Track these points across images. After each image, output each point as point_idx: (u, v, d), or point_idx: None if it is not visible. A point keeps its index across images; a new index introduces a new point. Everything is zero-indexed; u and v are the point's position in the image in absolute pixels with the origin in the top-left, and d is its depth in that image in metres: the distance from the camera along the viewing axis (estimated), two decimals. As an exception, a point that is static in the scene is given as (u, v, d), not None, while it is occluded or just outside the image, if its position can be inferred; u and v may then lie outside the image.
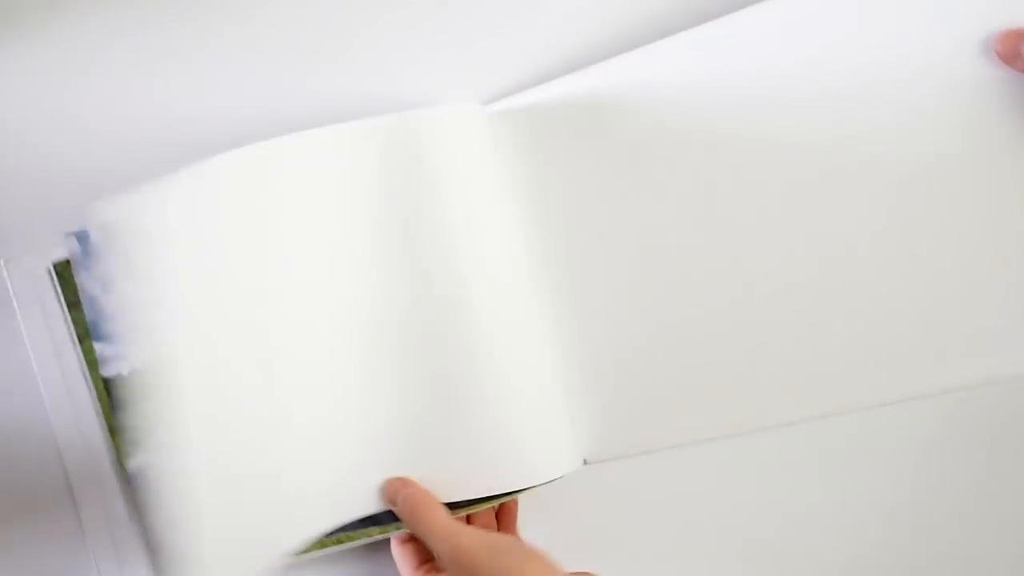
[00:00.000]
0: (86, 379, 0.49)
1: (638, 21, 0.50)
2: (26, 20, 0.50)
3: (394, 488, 0.45)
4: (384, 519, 0.47)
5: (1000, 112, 0.43)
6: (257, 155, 0.47)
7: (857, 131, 0.45)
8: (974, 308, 0.45)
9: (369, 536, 0.47)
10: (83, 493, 0.49)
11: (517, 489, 0.46)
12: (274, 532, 0.44)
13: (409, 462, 0.46)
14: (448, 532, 0.42)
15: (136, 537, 0.49)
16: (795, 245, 0.46)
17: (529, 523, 0.50)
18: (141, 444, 0.47)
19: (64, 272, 0.49)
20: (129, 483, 0.48)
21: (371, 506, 0.46)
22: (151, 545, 0.48)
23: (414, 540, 0.47)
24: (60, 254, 0.49)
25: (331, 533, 0.47)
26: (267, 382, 0.46)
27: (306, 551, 0.46)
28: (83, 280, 0.49)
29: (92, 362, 0.49)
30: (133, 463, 0.48)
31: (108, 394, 0.48)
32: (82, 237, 0.49)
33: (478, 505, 0.46)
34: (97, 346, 0.49)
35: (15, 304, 0.49)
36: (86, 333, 0.49)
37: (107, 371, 0.49)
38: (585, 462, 0.49)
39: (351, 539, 0.47)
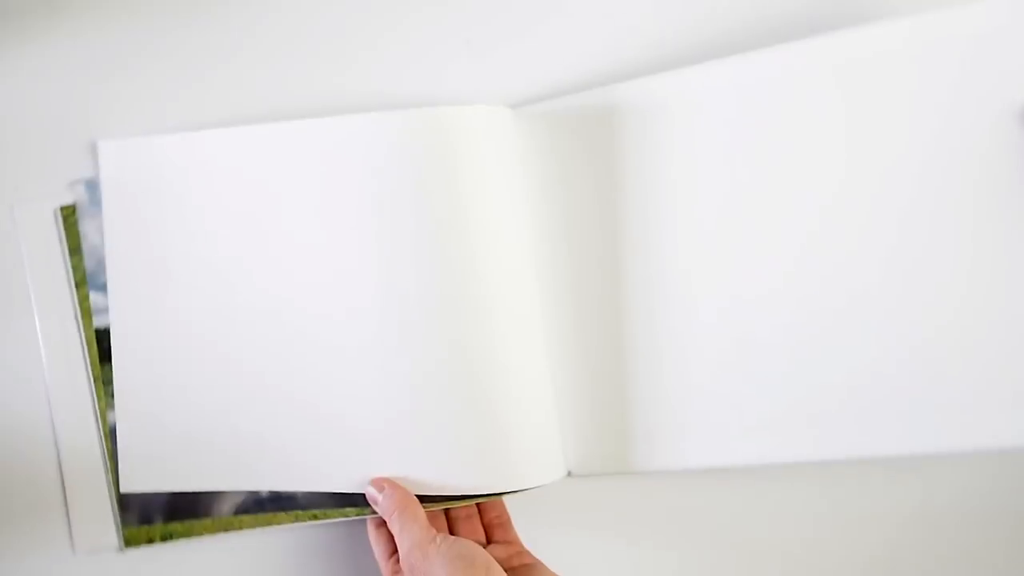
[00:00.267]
0: (78, 326, 0.48)
1: (668, 44, 0.52)
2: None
3: (379, 485, 0.45)
4: (362, 501, 0.46)
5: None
6: (286, 132, 0.48)
7: (877, 177, 0.46)
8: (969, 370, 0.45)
9: (345, 516, 0.47)
10: (68, 446, 0.49)
11: (499, 492, 0.46)
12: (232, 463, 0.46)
13: (397, 449, 0.46)
14: (421, 538, 0.42)
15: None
16: (804, 282, 0.46)
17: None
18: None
19: (69, 217, 0.49)
20: (110, 434, 0.48)
21: (350, 485, 0.46)
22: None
23: (386, 528, 0.46)
24: (67, 199, 0.49)
25: (307, 508, 0.47)
26: (261, 341, 0.47)
27: (277, 520, 0.47)
28: (86, 228, 0.49)
29: (86, 310, 0.48)
30: (113, 415, 0.48)
31: (98, 344, 0.48)
32: (91, 185, 0.49)
33: (458, 501, 0.46)
34: (93, 295, 0.48)
35: (22, 247, 0.49)
36: (83, 280, 0.48)
37: (100, 321, 0.48)
38: (569, 474, 0.49)
39: (327, 516, 0.47)
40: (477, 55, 0.52)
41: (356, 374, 0.47)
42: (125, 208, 0.48)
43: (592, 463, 0.49)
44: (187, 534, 0.47)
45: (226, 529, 0.47)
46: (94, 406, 0.48)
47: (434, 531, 0.43)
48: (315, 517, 0.47)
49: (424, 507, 0.45)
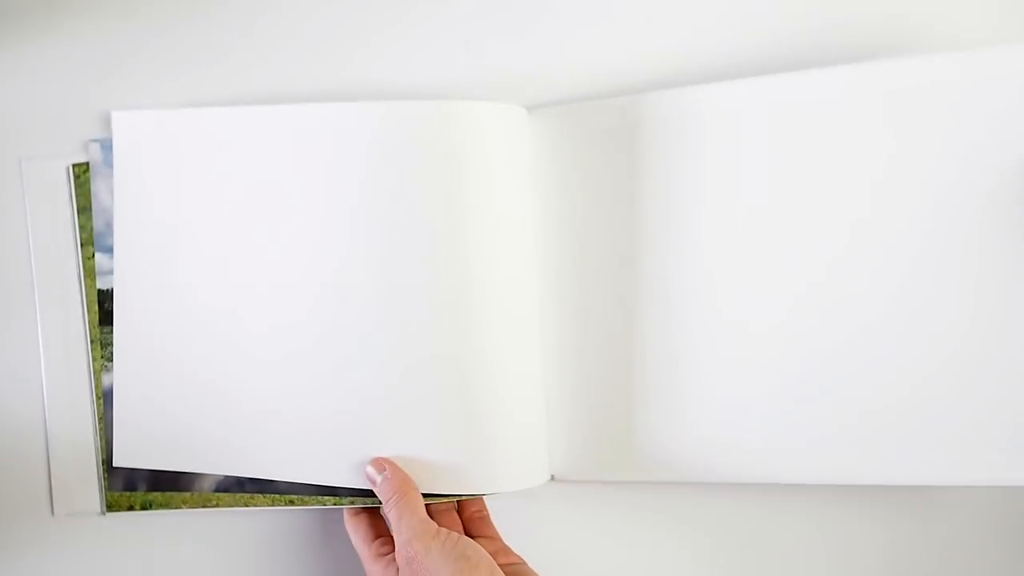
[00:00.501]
0: (80, 285, 0.48)
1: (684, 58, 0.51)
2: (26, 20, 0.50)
3: (379, 466, 0.44)
4: (341, 491, 0.46)
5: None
6: (296, 113, 0.47)
7: (897, 211, 0.45)
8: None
9: (322, 504, 0.46)
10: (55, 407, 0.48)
11: (480, 493, 0.45)
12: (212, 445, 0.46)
13: (381, 443, 0.45)
14: (422, 530, 0.41)
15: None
16: (814, 308, 0.46)
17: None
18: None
19: (81, 175, 0.48)
20: (103, 397, 0.47)
21: (332, 477, 0.46)
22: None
23: (367, 513, 0.46)
24: (81, 158, 0.49)
25: (285, 493, 0.46)
26: (258, 324, 0.47)
27: (255, 502, 0.46)
28: (98, 188, 0.48)
29: (89, 269, 0.48)
30: (108, 378, 0.47)
31: (100, 306, 0.48)
32: (106, 145, 0.48)
33: (439, 497, 0.45)
34: (99, 256, 0.48)
35: (26, 202, 0.49)
36: (89, 240, 0.48)
37: (103, 283, 0.48)
38: (552, 478, 0.48)
39: (304, 502, 0.46)
40: (478, 54, 0.51)
41: (346, 363, 0.46)
42: (136, 176, 0.48)
43: (577, 469, 0.48)
44: (166, 505, 0.47)
45: (204, 505, 0.47)
46: (89, 367, 0.48)
47: (435, 525, 0.42)
48: (292, 502, 0.46)
49: None
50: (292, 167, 0.47)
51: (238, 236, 0.47)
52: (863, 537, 0.49)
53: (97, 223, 0.48)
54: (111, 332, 0.47)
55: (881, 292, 0.45)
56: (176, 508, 0.47)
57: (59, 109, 0.49)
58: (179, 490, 0.47)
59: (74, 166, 0.48)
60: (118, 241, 0.48)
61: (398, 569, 0.41)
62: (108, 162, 0.48)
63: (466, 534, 0.46)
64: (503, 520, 0.48)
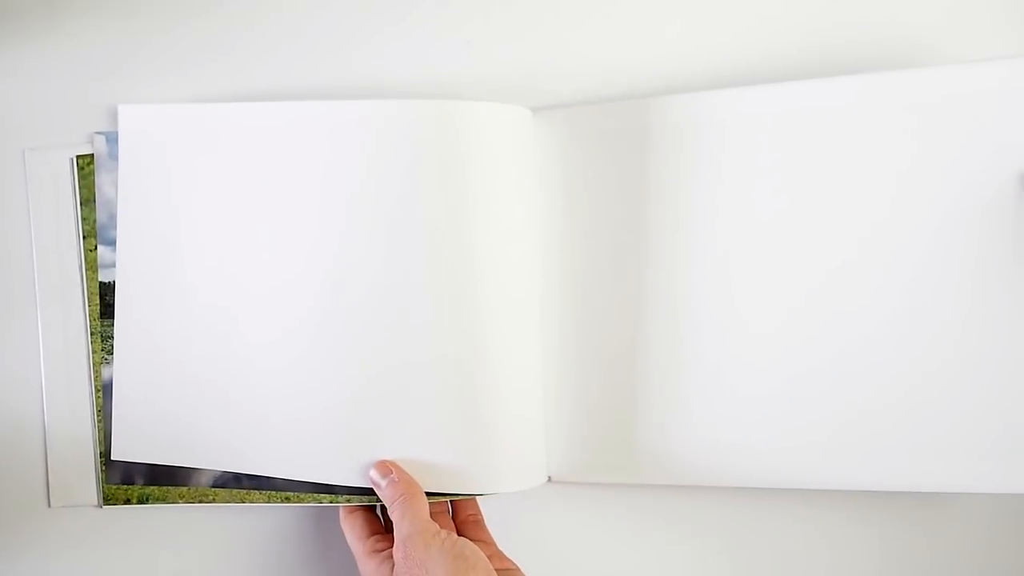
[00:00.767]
0: (82, 278, 0.48)
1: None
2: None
3: (384, 470, 0.44)
4: (338, 489, 0.45)
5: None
6: (302, 110, 0.47)
7: (900, 221, 0.45)
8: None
9: (319, 502, 0.46)
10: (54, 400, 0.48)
11: (477, 493, 0.45)
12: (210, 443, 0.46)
13: (379, 443, 0.45)
14: (424, 529, 0.41)
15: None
16: (814, 314, 0.45)
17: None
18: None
19: (85, 167, 0.48)
20: (103, 390, 0.47)
21: (330, 475, 0.45)
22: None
23: (362, 511, 0.45)
24: (85, 150, 0.49)
25: (281, 490, 0.46)
26: (258, 321, 0.47)
27: (251, 498, 0.46)
28: (101, 180, 0.48)
29: (91, 262, 0.48)
30: (107, 371, 0.47)
31: (101, 298, 0.48)
32: (111, 138, 0.48)
33: (435, 496, 0.45)
34: (102, 249, 0.48)
35: (29, 192, 0.49)
36: (92, 232, 0.48)
37: (105, 275, 0.48)
38: (549, 479, 0.48)
39: (300, 500, 0.46)
40: (481, 54, 0.51)
41: (345, 361, 0.45)
42: (140, 169, 0.48)
43: (575, 471, 0.48)
44: (162, 499, 0.47)
45: (200, 500, 0.47)
46: (89, 359, 0.48)
47: (437, 526, 0.42)
48: (288, 499, 0.46)
49: None
50: (296, 164, 0.47)
51: (240, 232, 0.47)
52: (862, 542, 0.49)
53: (100, 216, 0.48)
54: (112, 325, 0.47)
55: (883, 300, 0.45)
56: (172, 503, 0.47)
57: (62, 104, 0.49)
58: (176, 485, 0.47)
59: (78, 158, 0.48)
60: (121, 234, 0.48)
61: (392, 566, 0.41)
62: (112, 155, 0.48)
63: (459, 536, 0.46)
64: (500, 521, 0.47)
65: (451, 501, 0.47)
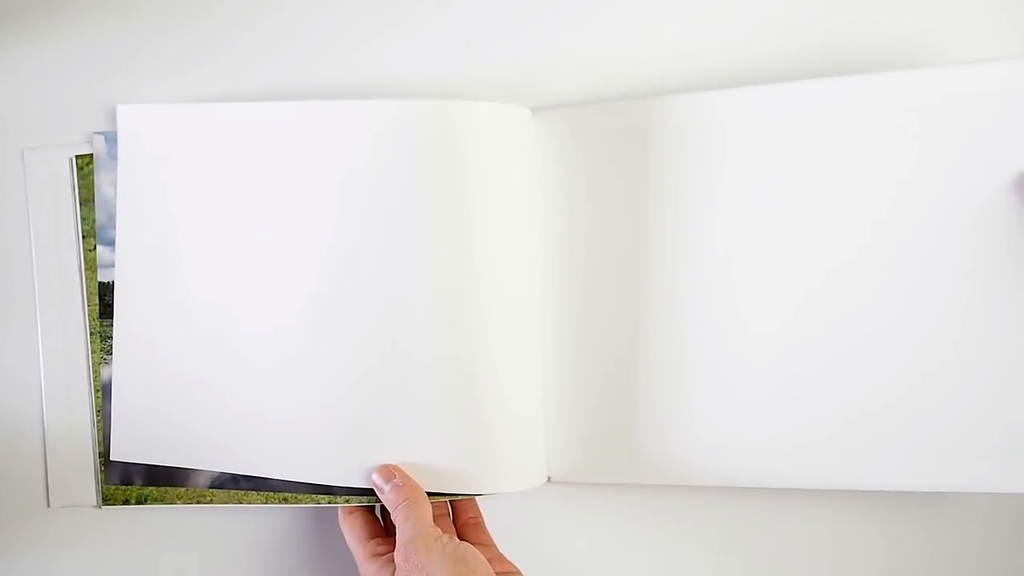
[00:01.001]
0: (81, 278, 0.48)
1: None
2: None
3: (388, 474, 0.44)
4: (336, 490, 0.45)
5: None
6: (301, 110, 0.47)
7: (901, 221, 0.45)
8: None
9: (316, 502, 0.46)
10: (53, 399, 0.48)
11: (477, 493, 0.45)
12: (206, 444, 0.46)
13: (377, 443, 0.45)
14: (426, 533, 0.41)
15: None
16: (815, 314, 0.45)
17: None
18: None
19: (84, 167, 0.48)
20: (103, 391, 0.47)
21: (328, 476, 0.45)
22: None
23: (361, 513, 0.45)
24: (84, 150, 0.49)
25: (279, 491, 0.46)
26: (257, 321, 0.47)
27: (248, 499, 0.46)
28: (101, 180, 0.48)
29: (91, 261, 0.48)
30: (107, 371, 0.47)
31: (100, 298, 0.48)
32: (110, 138, 0.48)
33: (435, 497, 0.45)
34: (101, 249, 0.48)
35: (28, 192, 0.49)
36: (91, 232, 0.48)
37: (104, 275, 0.48)
38: (549, 479, 0.48)
39: (298, 501, 0.46)
40: (481, 55, 0.51)
41: (344, 362, 0.45)
42: (139, 169, 0.48)
43: (575, 471, 0.48)
44: (160, 500, 0.47)
45: (198, 501, 0.47)
46: (88, 360, 0.48)
47: (439, 530, 0.42)
48: (285, 500, 0.46)
49: None
50: (295, 163, 0.46)
51: (239, 232, 0.47)
52: (863, 541, 0.49)
53: (99, 215, 0.48)
54: (111, 325, 0.47)
55: (883, 300, 0.45)
56: (171, 503, 0.47)
57: (62, 103, 0.49)
58: (175, 485, 0.47)
59: (77, 157, 0.48)
60: (120, 234, 0.48)
61: (394, 570, 0.41)
62: (112, 154, 0.48)
63: (460, 539, 0.46)
64: (500, 522, 0.47)
65: (451, 503, 0.47)
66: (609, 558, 0.49)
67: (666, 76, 0.50)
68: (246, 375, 0.46)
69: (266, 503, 0.46)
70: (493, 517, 0.47)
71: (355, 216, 0.46)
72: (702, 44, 0.50)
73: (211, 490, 0.46)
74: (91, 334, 0.48)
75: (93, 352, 0.48)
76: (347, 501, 0.45)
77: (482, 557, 0.41)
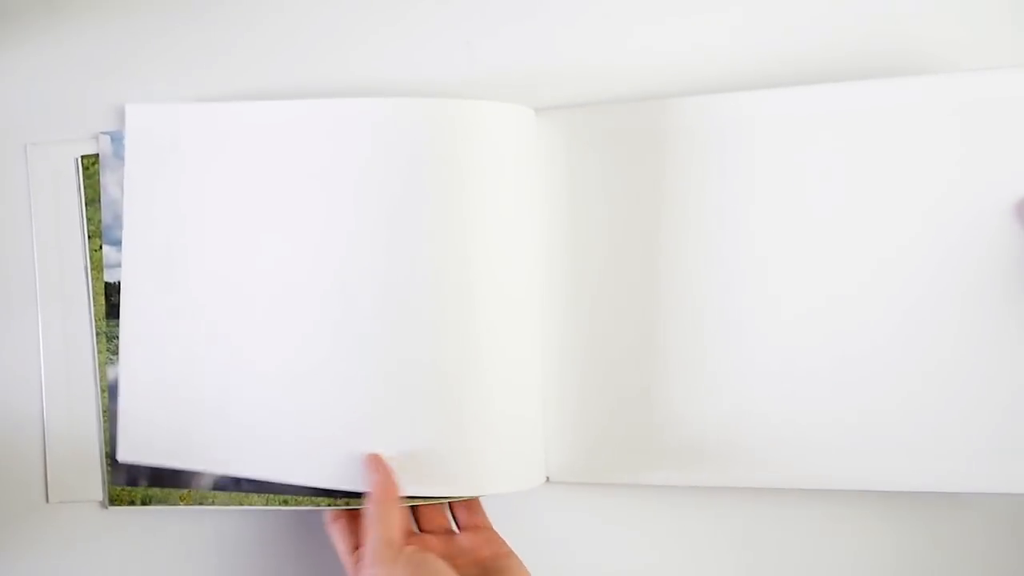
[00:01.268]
0: (87, 277, 0.48)
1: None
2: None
3: (372, 466, 0.43)
4: (336, 493, 0.45)
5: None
6: (306, 109, 0.46)
7: (911, 227, 0.45)
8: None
9: (316, 505, 0.45)
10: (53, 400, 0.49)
11: (475, 495, 0.44)
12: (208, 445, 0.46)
13: (376, 445, 0.44)
14: (386, 554, 0.39)
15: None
16: (818, 319, 0.45)
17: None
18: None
19: (90, 167, 0.48)
20: (108, 391, 0.47)
21: (328, 479, 0.45)
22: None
23: (346, 520, 0.44)
24: (90, 149, 0.49)
25: (280, 493, 0.45)
26: (260, 324, 0.46)
27: (249, 501, 0.46)
28: (107, 181, 0.48)
29: (96, 261, 0.48)
30: (112, 371, 0.47)
31: (106, 298, 0.48)
32: (116, 138, 0.48)
33: (434, 499, 0.44)
34: (107, 249, 0.48)
35: (30, 189, 0.49)
36: (97, 232, 0.48)
37: (110, 276, 0.48)
38: (548, 479, 0.47)
39: (298, 503, 0.45)
40: (482, 55, 0.50)
41: (345, 362, 0.45)
42: (146, 169, 0.47)
43: (574, 471, 0.47)
44: (163, 501, 0.46)
45: (200, 502, 0.46)
46: (94, 359, 0.48)
47: (400, 543, 0.40)
48: (286, 502, 0.45)
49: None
50: (300, 162, 0.46)
51: (244, 232, 0.46)
52: (864, 542, 0.48)
53: (105, 216, 0.48)
54: (117, 325, 0.47)
55: (889, 303, 0.45)
56: (173, 505, 0.46)
57: (63, 103, 0.50)
58: (178, 486, 0.46)
59: (83, 158, 0.48)
60: (127, 235, 0.47)
61: None
62: (118, 154, 0.48)
63: (455, 521, 0.46)
64: (500, 521, 0.46)
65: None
66: (609, 558, 0.49)
67: (666, 75, 0.49)
68: (248, 376, 0.46)
69: (267, 505, 0.45)
70: (493, 517, 0.47)
71: (359, 214, 0.45)
72: (706, 47, 0.49)
73: (213, 492, 0.46)
74: (97, 334, 0.48)
75: (99, 352, 0.48)
76: (347, 503, 0.44)
77: (445, 568, 0.40)
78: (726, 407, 0.45)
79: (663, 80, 0.49)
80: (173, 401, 0.46)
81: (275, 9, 0.50)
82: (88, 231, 0.48)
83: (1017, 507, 0.47)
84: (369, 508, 0.41)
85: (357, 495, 0.44)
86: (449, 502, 0.46)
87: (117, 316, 0.47)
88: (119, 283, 0.47)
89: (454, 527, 0.46)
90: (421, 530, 0.46)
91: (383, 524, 0.41)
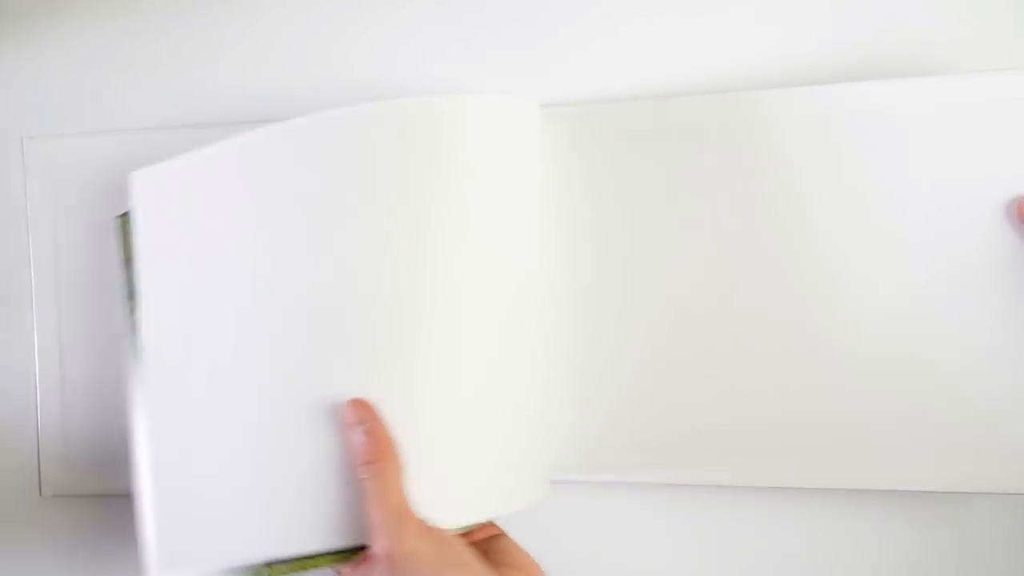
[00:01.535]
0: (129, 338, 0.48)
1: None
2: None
3: (357, 415, 0.38)
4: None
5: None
6: (305, 125, 0.43)
7: (913, 228, 0.45)
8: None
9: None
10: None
11: (481, 520, 0.42)
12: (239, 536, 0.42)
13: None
14: (395, 519, 0.36)
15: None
16: (814, 314, 0.45)
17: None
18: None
19: (126, 227, 0.48)
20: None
21: (340, 540, 0.41)
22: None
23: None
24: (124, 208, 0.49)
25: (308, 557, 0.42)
26: (257, 377, 0.43)
27: (284, 571, 0.43)
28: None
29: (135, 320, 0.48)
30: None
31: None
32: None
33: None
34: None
35: (27, 187, 0.51)
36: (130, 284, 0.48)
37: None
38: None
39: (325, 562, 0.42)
40: (478, 54, 0.50)
41: (351, 386, 0.41)
42: (158, 232, 0.46)
43: (574, 471, 0.47)
44: None
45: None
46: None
47: (412, 513, 0.37)
48: (315, 565, 0.43)
49: None
50: (308, 178, 0.43)
51: (256, 284, 0.43)
52: (864, 541, 0.48)
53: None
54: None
55: (887, 301, 0.45)
56: None
57: (63, 102, 0.51)
58: None
59: (120, 216, 0.49)
60: (146, 303, 0.46)
61: None
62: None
63: None
64: (501, 522, 0.44)
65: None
66: (609, 558, 0.49)
67: (666, 76, 0.49)
68: (281, 437, 0.42)
69: (301, 571, 0.43)
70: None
71: (366, 220, 0.42)
72: (709, 47, 0.50)
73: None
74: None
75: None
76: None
77: (463, 544, 0.37)
78: (726, 406, 0.45)
79: (665, 79, 0.49)
80: (211, 498, 0.43)
81: (276, 9, 0.50)
82: (128, 291, 0.48)
83: (1017, 507, 0.47)
84: (364, 467, 0.37)
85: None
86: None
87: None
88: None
89: None
90: None
91: (388, 488, 0.36)
